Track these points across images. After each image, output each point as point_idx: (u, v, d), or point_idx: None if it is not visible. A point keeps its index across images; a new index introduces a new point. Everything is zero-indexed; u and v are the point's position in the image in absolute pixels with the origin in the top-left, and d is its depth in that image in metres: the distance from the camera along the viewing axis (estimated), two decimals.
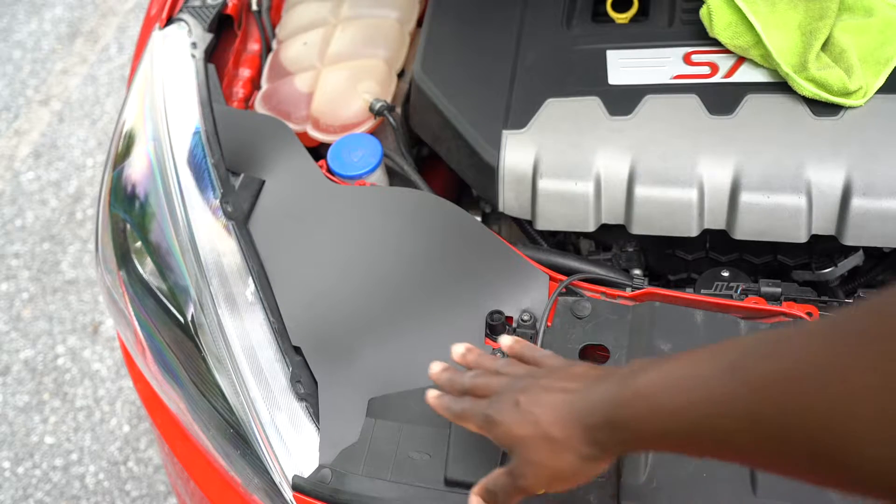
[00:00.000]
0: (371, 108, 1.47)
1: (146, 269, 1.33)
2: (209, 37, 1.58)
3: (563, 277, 1.20)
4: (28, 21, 3.98)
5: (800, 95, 1.25)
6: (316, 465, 1.08)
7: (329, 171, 1.38)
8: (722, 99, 1.28)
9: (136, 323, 1.33)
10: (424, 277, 1.22)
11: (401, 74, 1.59)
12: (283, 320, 1.20)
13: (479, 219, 1.49)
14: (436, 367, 0.98)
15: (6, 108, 3.60)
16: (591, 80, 1.35)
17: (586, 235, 1.43)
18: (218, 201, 1.32)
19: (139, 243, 1.35)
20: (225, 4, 1.62)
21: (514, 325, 1.17)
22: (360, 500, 1.04)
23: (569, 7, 1.47)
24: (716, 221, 1.24)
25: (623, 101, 1.31)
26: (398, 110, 1.53)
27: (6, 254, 3.06)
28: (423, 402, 0.96)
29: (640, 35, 1.40)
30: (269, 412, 1.13)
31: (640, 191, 1.24)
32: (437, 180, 1.55)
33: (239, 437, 1.16)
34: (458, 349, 0.99)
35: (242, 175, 1.36)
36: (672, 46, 1.36)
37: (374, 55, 1.56)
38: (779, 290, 1.19)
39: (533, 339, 1.15)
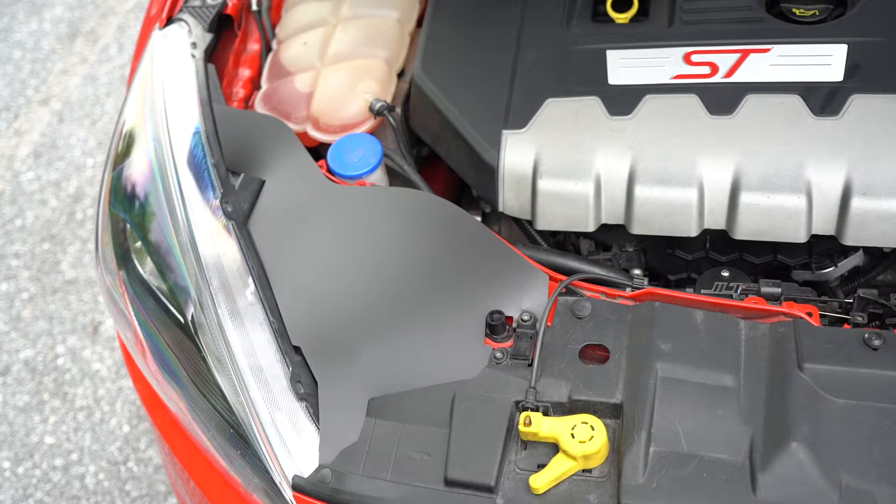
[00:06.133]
0: (371, 108, 1.47)
1: (146, 269, 1.33)
2: (209, 37, 1.58)
3: (563, 277, 1.20)
4: (28, 21, 3.98)
5: (800, 95, 1.25)
6: (316, 465, 1.08)
7: (329, 171, 1.38)
8: (722, 99, 1.28)
9: (136, 323, 1.33)
10: (424, 278, 1.22)
11: (401, 74, 1.59)
12: (283, 320, 1.20)
13: (479, 219, 1.49)
14: None
15: (6, 108, 3.61)
16: (591, 80, 1.35)
17: (586, 235, 1.43)
18: (218, 201, 1.32)
19: (139, 243, 1.35)
20: (225, 4, 1.62)
21: (514, 325, 1.17)
22: (360, 500, 1.04)
23: (569, 7, 1.47)
24: (716, 221, 1.24)
25: (623, 100, 1.31)
26: (398, 110, 1.53)
27: (6, 254, 3.06)
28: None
29: (640, 35, 1.40)
30: (269, 412, 1.13)
31: (640, 191, 1.24)
32: (437, 180, 1.55)
33: (239, 438, 1.16)
34: None
35: (242, 175, 1.35)
36: (672, 46, 1.36)
37: (374, 55, 1.56)
38: (779, 290, 1.19)
39: (533, 339, 1.15)
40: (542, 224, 1.31)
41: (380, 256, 1.24)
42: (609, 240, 1.41)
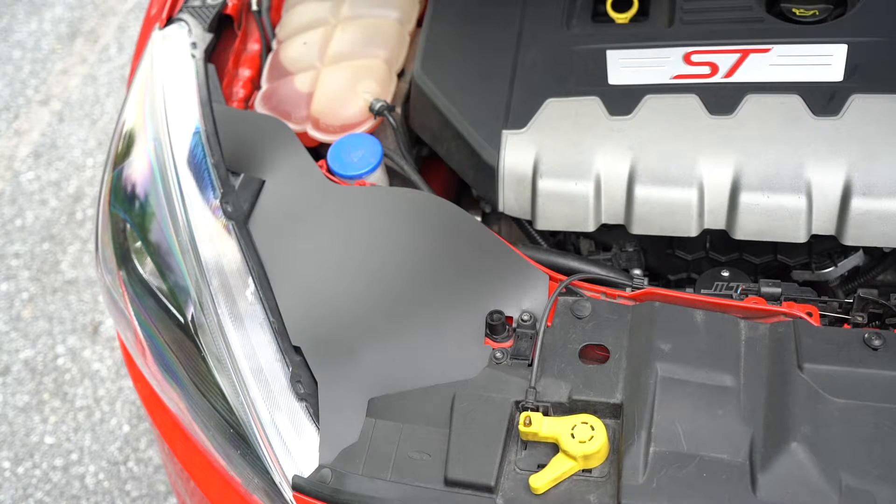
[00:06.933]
0: (371, 108, 1.47)
1: (146, 269, 1.33)
2: (209, 37, 1.58)
3: (563, 277, 1.20)
4: (28, 21, 3.98)
5: (800, 95, 1.25)
6: (316, 465, 1.08)
7: (329, 171, 1.38)
8: (722, 99, 1.28)
9: (136, 323, 1.33)
10: (424, 277, 1.22)
11: (401, 74, 1.59)
12: (283, 320, 1.20)
13: (479, 219, 1.49)
14: None
15: (6, 108, 3.61)
16: (591, 80, 1.35)
17: (586, 235, 1.43)
18: (218, 201, 1.32)
19: (139, 243, 1.35)
20: (225, 4, 1.62)
21: (514, 325, 1.17)
22: (360, 500, 1.04)
23: (569, 7, 1.47)
24: (716, 221, 1.24)
25: (623, 101, 1.31)
26: (398, 110, 1.53)
27: (6, 254, 3.06)
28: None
29: (640, 35, 1.40)
30: (269, 412, 1.13)
31: (640, 191, 1.24)
32: (437, 180, 1.55)
33: (239, 437, 1.16)
34: None
35: (242, 175, 1.35)
36: (672, 46, 1.36)
37: (374, 55, 1.56)
38: (779, 290, 1.19)
39: (533, 339, 1.15)
40: (542, 224, 1.31)
41: (380, 256, 1.24)
42: (609, 240, 1.41)
